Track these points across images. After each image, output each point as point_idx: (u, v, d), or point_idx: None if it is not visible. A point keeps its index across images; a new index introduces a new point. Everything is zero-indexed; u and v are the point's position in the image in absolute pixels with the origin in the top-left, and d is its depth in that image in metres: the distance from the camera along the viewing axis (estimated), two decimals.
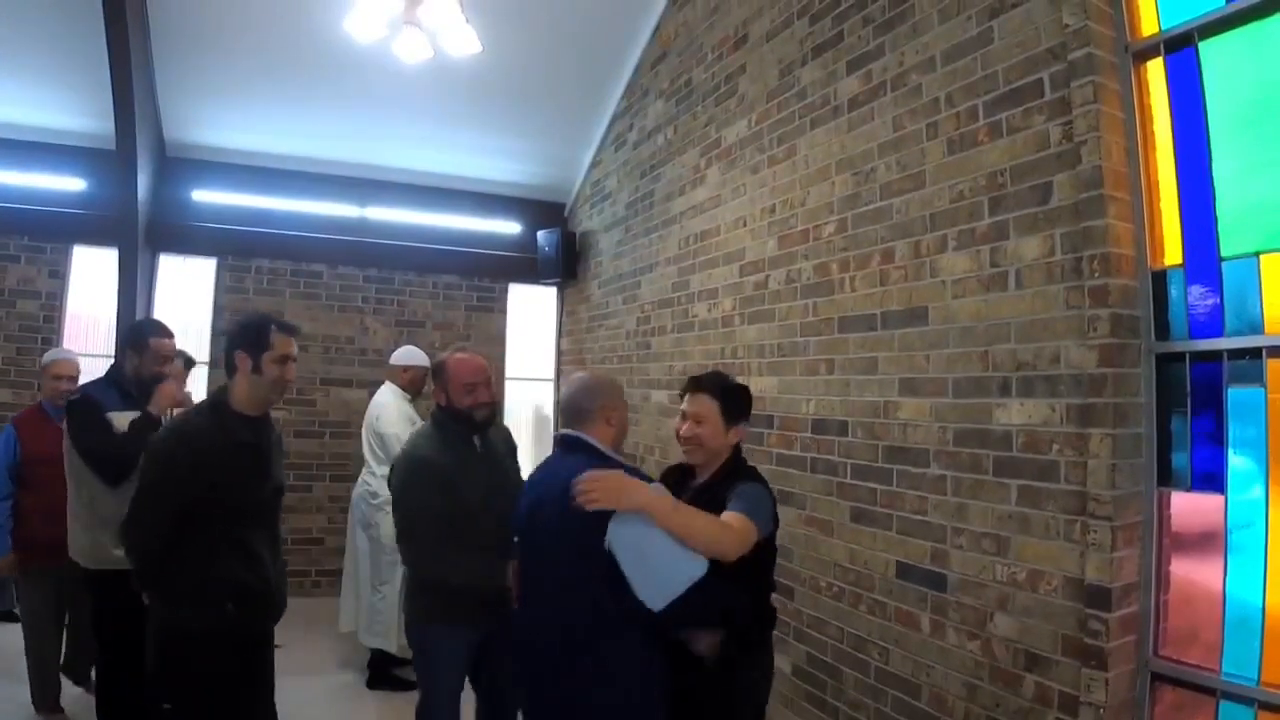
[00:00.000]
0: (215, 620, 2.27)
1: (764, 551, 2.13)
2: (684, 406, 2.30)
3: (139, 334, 3.17)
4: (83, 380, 3.52)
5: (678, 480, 2.36)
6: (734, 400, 2.28)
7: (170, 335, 3.22)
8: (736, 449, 2.32)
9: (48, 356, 3.84)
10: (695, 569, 1.87)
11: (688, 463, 2.37)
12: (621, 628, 1.92)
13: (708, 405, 2.24)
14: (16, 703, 3.65)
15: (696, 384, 2.31)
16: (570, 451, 2.11)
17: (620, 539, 1.85)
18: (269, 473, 2.51)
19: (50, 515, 3.35)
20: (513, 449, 3.02)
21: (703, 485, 2.27)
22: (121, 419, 3.03)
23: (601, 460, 2.02)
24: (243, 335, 2.41)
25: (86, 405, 3.07)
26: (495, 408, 2.85)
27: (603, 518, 1.85)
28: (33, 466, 3.52)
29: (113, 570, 2.91)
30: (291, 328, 2.51)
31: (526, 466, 2.87)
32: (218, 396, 2.44)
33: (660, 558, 1.85)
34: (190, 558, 2.27)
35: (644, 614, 1.85)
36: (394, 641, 4.07)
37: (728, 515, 2.00)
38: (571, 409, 2.15)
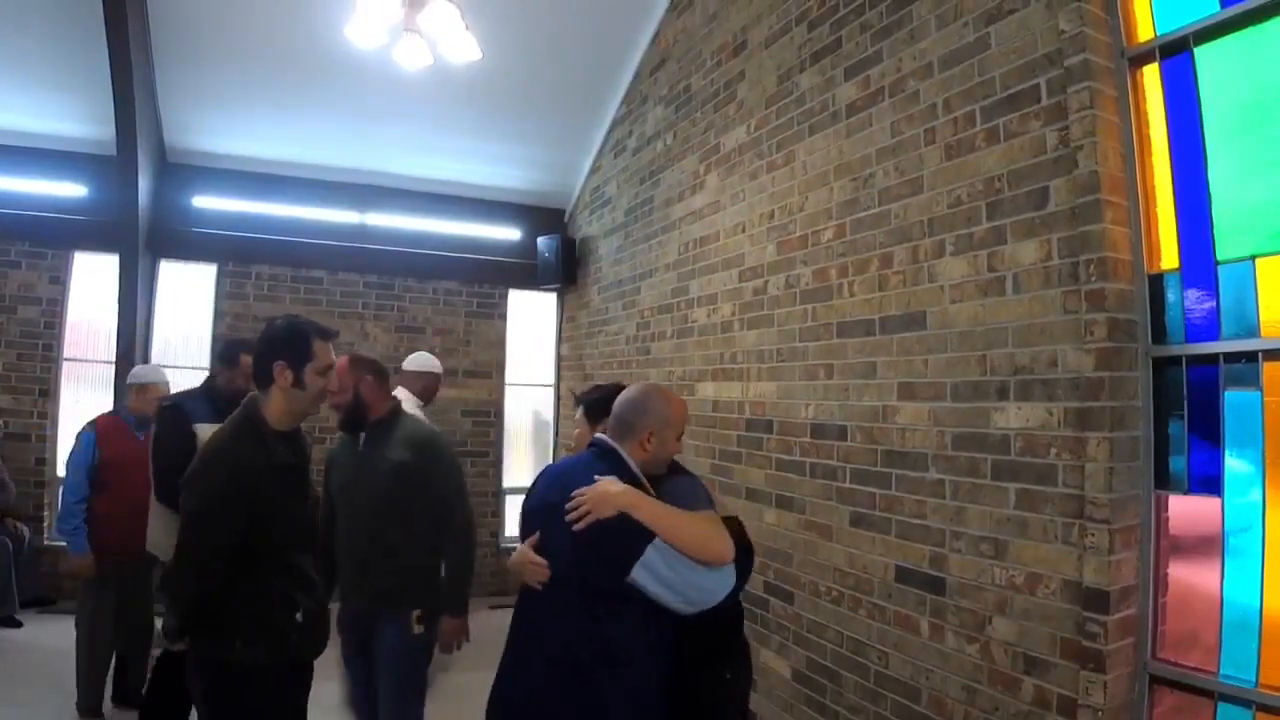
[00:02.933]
0: (272, 653, 2.10)
1: None
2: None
3: (231, 350, 3.27)
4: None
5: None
6: (593, 406, 2.30)
7: None
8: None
9: (142, 376, 3.89)
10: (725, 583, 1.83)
11: None
12: (620, 662, 1.82)
13: (580, 415, 2.36)
14: (55, 705, 3.69)
15: (575, 398, 2.47)
16: (600, 459, 1.98)
17: (646, 579, 1.76)
18: (309, 492, 2.35)
19: (120, 519, 3.49)
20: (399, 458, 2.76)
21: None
22: (209, 433, 3.04)
23: (623, 476, 1.89)
24: (282, 345, 2.15)
25: (176, 414, 3.16)
26: (354, 406, 2.75)
27: (613, 563, 1.77)
28: (107, 471, 3.62)
29: None
30: (330, 332, 2.27)
31: (526, 470, 2.88)
32: (250, 412, 2.17)
33: (693, 578, 1.79)
34: (242, 590, 2.06)
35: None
36: None
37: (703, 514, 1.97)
38: (617, 418, 2.01)
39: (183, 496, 2.09)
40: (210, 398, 3.24)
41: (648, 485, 1.93)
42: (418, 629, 2.71)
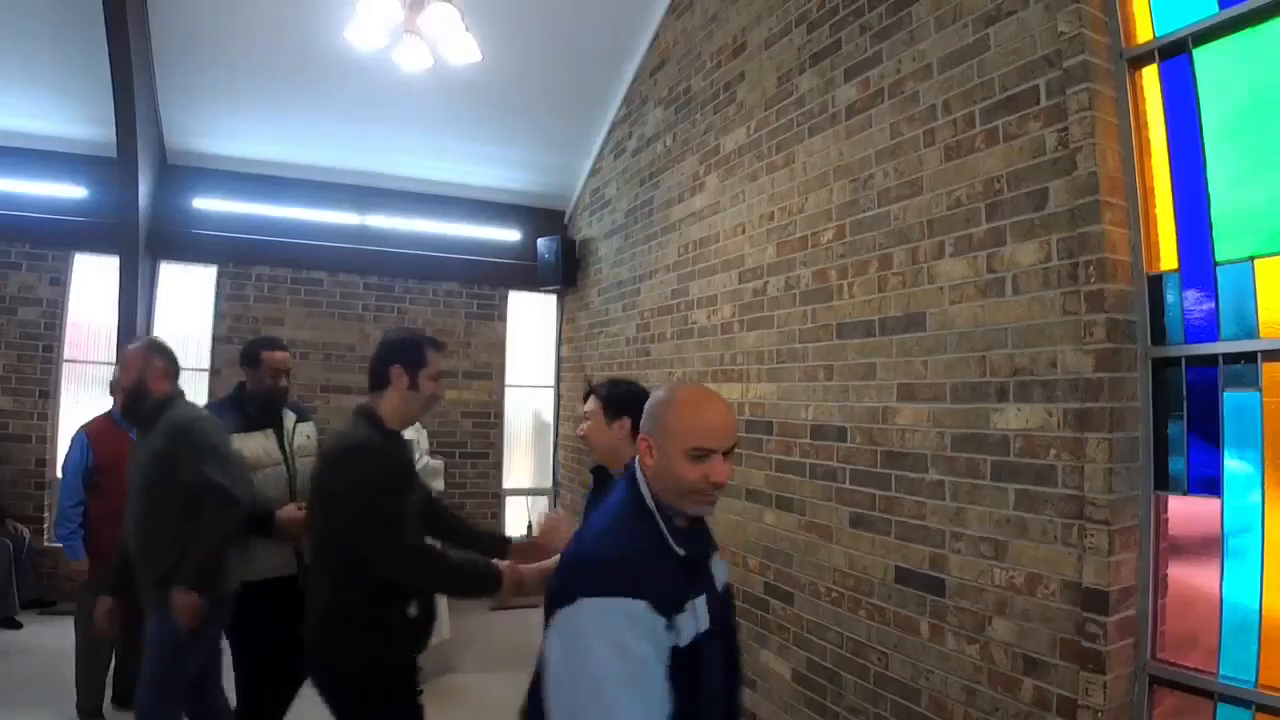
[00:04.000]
0: (403, 652, 2.22)
1: None
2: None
3: (251, 350, 3.18)
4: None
5: (599, 479, 2.45)
6: (615, 400, 2.32)
7: (283, 348, 3.20)
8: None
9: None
10: None
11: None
12: None
13: (593, 406, 2.33)
14: (55, 706, 3.69)
15: (589, 388, 2.41)
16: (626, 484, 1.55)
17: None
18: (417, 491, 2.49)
19: (115, 521, 3.36)
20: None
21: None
22: (244, 445, 3.01)
23: (635, 513, 1.46)
24: (401, 350, 2.32)
25: None
26: (134, 391, 2.80)
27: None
28: (101, 473, 3.60)
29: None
30: (441, 344, 2.46)
31: (526, 472, 2.89)
32: (371, 414, 2.29)
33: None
34: (375, 591, 2.13)
35: None
36: None
37: None
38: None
39: (363, 501, 2.10)
40: (240, 406, 3.15)
41: (653, 511, 1.46)
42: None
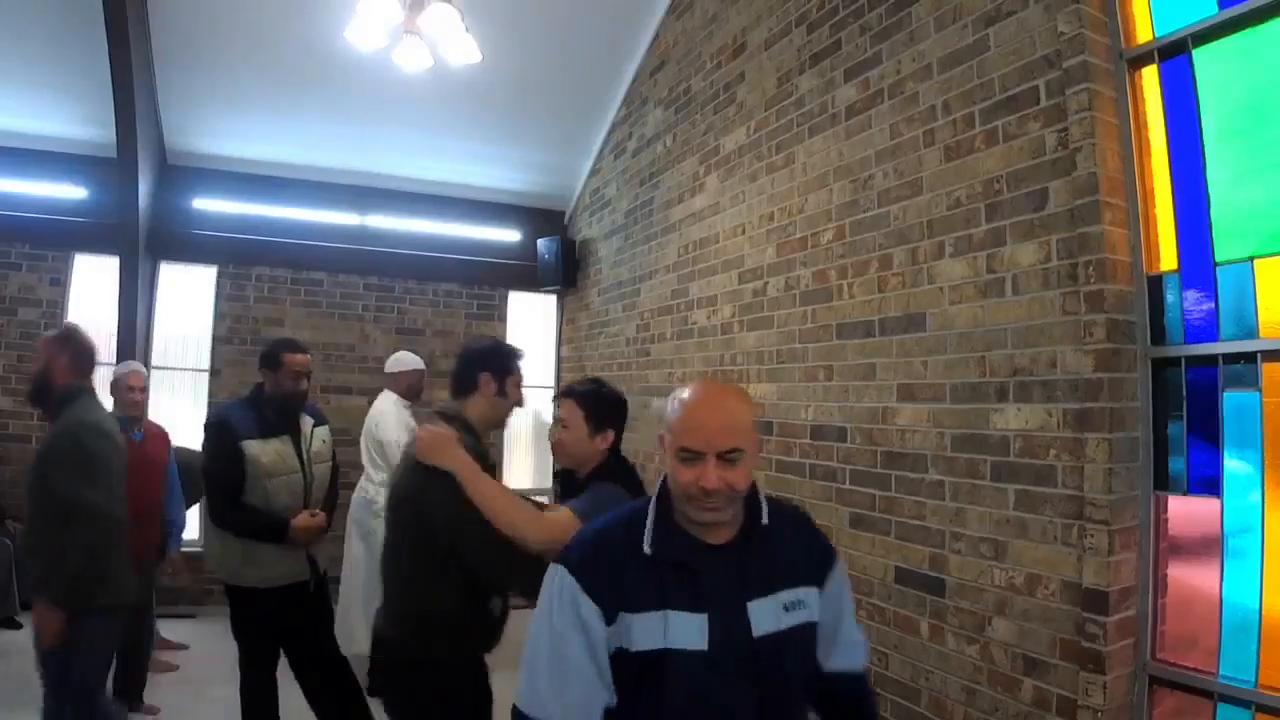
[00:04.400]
0: (486, 647, 2.25)
1: None
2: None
3: (272, 351, 3.10)
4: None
5: (565, 482, 2.42)
6: (598, 408, 2.25)
7: (304, 350, 3.14)
8: (614, 454, 2.28)
9: (121, 368, 3.90)
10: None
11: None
12: None
13: (572, 411, 2.24)
14: None
15: (566, 391, 2.34)
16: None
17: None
18: None
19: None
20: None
21: (578, 485, 2.27)
22: (262, 451, 2.96)
23: (642, 505, 1.47)
24: (491, 357, 2.34)
25: (222, 432, 2.98)
26: (39, 381, 2.76)
27: None
28: None
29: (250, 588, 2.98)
30: (523, 353, 2.47)
31: (526, 472, 2.88)
32: (461, 419, 2.29)
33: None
34: (464, 587, 2.16)
35: None
36: None
37: (559, 509, 2.09)
38: None
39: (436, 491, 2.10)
40: (257, 408, 3.07)
41: (650, 507, 1.45)
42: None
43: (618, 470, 2.27)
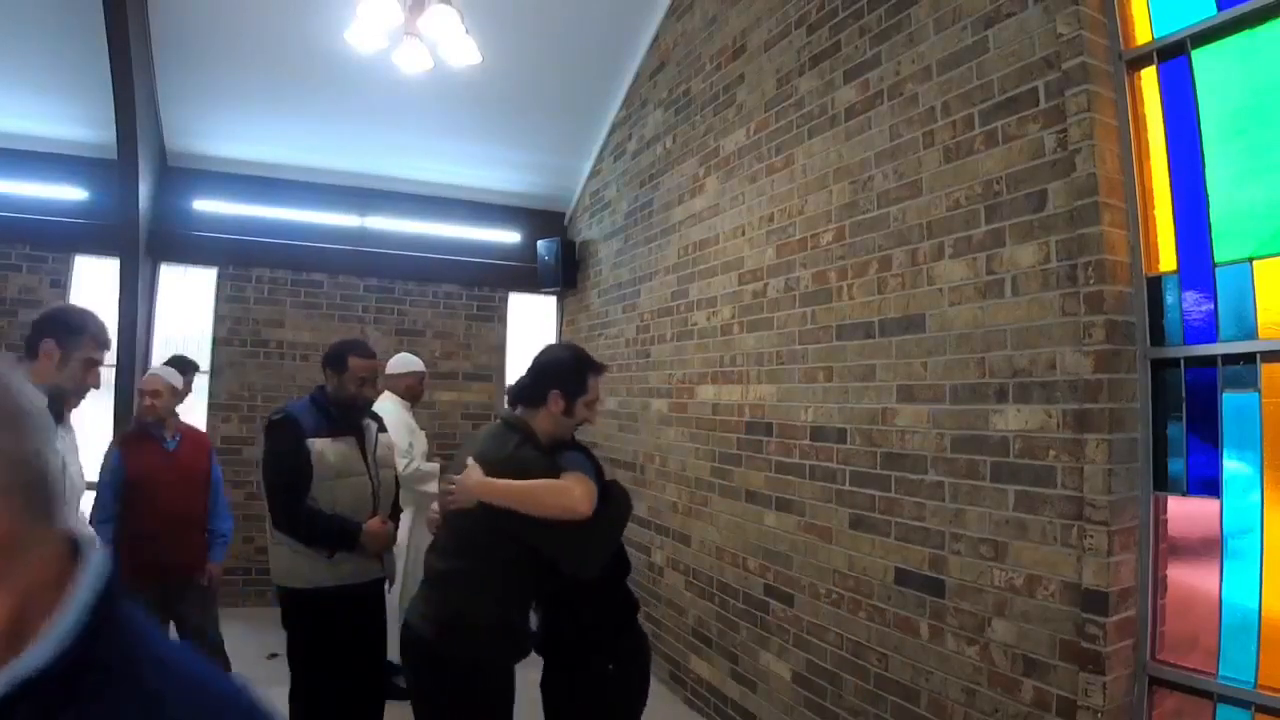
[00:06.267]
0: (521, 654, 2.28)
1: None
2: None
3: (337, 353, 3.06)
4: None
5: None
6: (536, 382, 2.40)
7: (371, 355, 3.09)
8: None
9: (149, 373, 3.74)
10: None
11: None
12: None
13: None
14: None
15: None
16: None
17: None
18: None
19: (153, 536, 3.33)
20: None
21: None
22: (329, 450, 2.93)
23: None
24: (564, 376, 2.31)
25: (291, 427, 2.92)
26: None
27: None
28: (132, 489, 3.42)
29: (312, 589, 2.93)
30: (604, 367, 2.45)
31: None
32: (529, 431, 2.31)
33: None
34: (523, 592, 2.28)
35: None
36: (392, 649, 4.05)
37: (563, 478, 2.16)
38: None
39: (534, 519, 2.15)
40: (320, 408, 3.01)
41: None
42: None
43: (573, 441, 2.41)
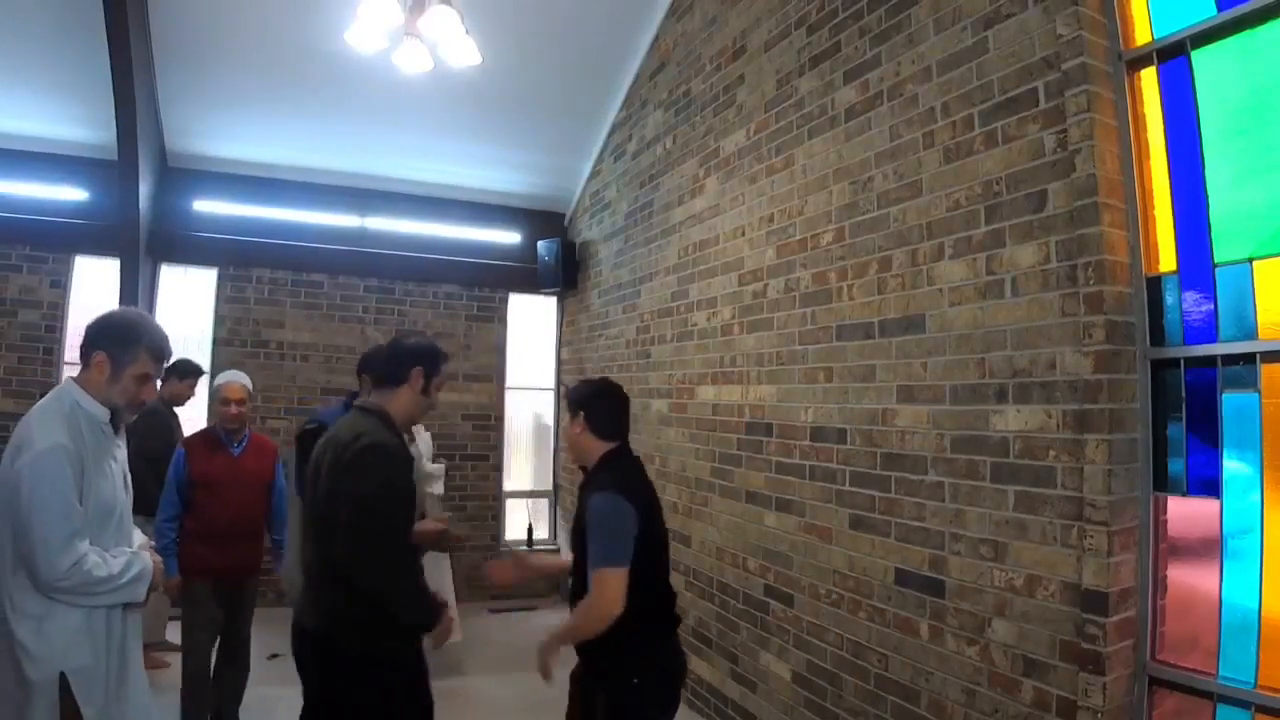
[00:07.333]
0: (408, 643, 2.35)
1: (638, 552, 2.28)
2: None
3: (373, 358, 3.05)
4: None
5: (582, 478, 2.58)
6: (575, 403, 2.49)
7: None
8: (613, 451, 2.46)
9: (220, 378, 3.68)
10: None
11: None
12: None
13: (565, 410, 2.51)
14: None
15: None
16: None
17: None
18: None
19: (210, 538, 3.38)
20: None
21: (582, 484, 2.52)
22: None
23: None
24: (425, 356, 2.39)
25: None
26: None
27: None
28: (195, 489, 3.47)
29: None
30: (449, 356, 2.53)
31: (526, 474, 2.89)
32: (384, 414, 2.32)
33: None
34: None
35: None
36: None
37: (592, 576, 2.24)
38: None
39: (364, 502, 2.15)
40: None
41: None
42: None
43: (603, 474, 2.39)
